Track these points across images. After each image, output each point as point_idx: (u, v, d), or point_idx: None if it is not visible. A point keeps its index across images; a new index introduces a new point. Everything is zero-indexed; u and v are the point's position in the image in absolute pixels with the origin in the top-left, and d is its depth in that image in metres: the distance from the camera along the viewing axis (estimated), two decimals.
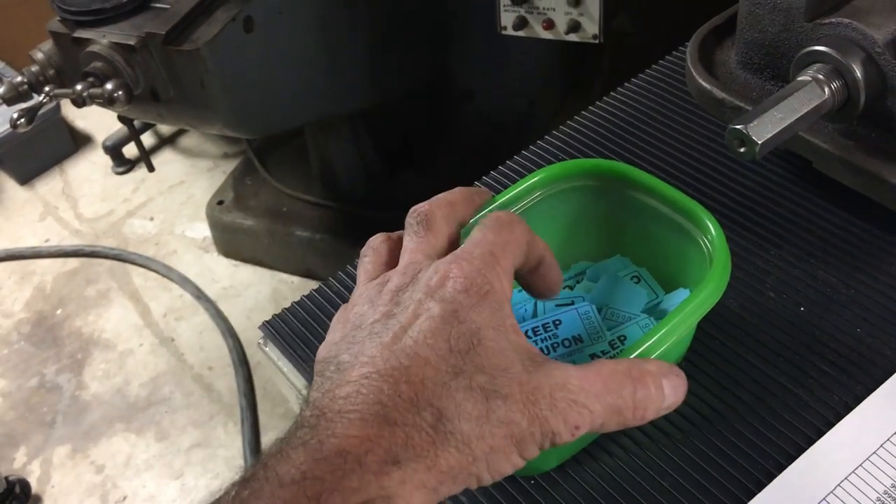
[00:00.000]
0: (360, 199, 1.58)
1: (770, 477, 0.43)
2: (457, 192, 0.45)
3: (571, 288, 0.53)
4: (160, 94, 1.06)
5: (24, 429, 1.48)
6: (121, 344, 1.58)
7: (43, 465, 1.43)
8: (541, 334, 0.48)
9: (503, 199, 0.50)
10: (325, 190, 1.61)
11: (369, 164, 1.57)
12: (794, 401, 0.46)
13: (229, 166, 1.81)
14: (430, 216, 0.42)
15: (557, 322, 0.49)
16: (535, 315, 0.50)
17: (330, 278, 0.59)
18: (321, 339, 0.55)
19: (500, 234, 0.39)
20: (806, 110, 0.47)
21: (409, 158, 1.59)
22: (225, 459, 1.41)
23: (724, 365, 0.49)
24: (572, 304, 0.50)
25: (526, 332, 0.48)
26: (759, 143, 0.45)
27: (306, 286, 1.61)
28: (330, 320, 0.54)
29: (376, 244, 0.44)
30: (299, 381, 0.53)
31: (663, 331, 0.42)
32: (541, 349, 0.48)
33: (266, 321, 0.56)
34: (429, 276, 0.37)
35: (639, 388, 0.37)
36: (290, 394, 0.56)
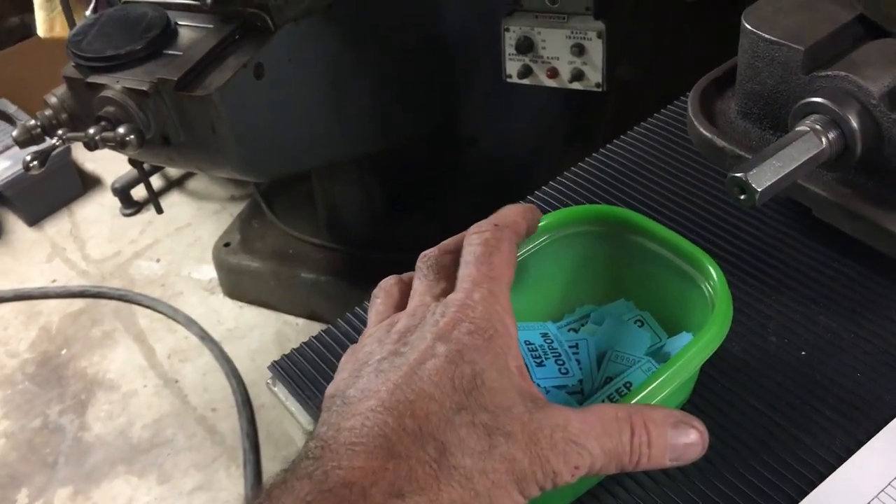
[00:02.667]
0: (366, 242, 1.60)
1: None
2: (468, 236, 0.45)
3: (576, 331, 0.54)
4: (171, 139, 1.08)
5: (26, 470, 1.47)
6: (125, 385, 1.58)
7: None
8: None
9: None
10: (330, 233, 1.62)
11: (375, 208, 1.59)
12: (796, 444, 0.47)
13: (236, 209, 1.83)
14: (439, 260, 0.43)
15: (565, 371, 0.50)
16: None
17: (339, 319, 0.60)
18: (329, 379, 0.55)
19: (492, 265, 0.40)
20: (804, 159, 0.48)
21: (415, 202, 1.61)
22: (226, 503, 1.40)
23: (726, 408, 0.49)
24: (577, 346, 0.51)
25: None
26: (759, 190, 0.46)
27: (311, 328, 1.62)
28: (338, 361, 0.55)
29: (388, 286, 0.45)
30: (307, 421, 0.54)
31: (666, 375, 0.43)
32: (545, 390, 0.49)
33: (275, 361, 0.57)
34: (436, 319, 0.38)
35: (637, 435, 0.38)
36: (297, 434, 0.56)
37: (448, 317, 0.38)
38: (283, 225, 1.66)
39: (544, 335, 0.52)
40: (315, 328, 1.62)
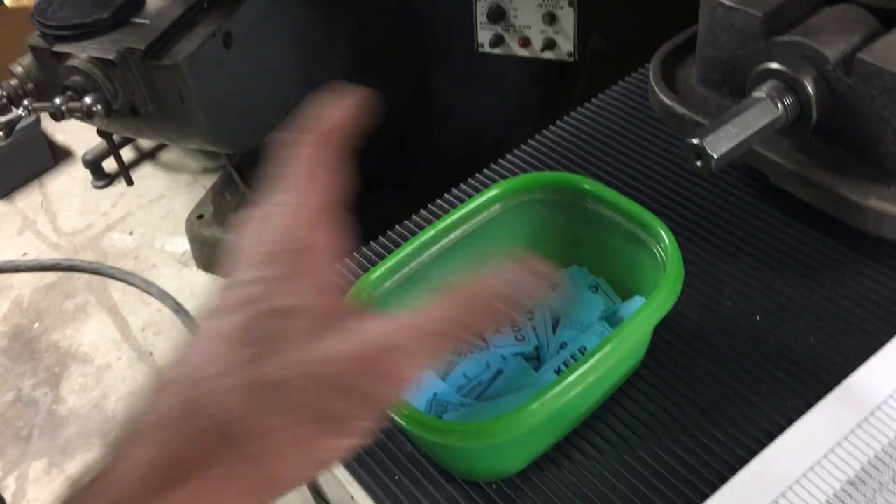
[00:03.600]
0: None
1: (724, 480, 0.45)
2: None
3: None
4: (139, 109, 1.07)
5: None
6: (98, 358, 1.57)
7: (18, 479, 1.42)
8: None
9: (462, 211, 0.51)
10: None
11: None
12: (748, 406, 0.48)
13: (209, 181, 1.81)
14: None
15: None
16: None
17: None
18: None
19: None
20: (760, 125, 0.48)
21: (388, 174, 1.60)
22: None
23: (680, 371, 0.50)
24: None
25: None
26: (715, 156, 0.46)
27: None
28: None
29: None
30: None
31: (617, 339, 0.43)
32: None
33: None
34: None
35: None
36: None
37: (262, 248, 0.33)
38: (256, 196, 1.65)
39: None
40: None
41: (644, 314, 0.44)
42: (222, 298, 0.32)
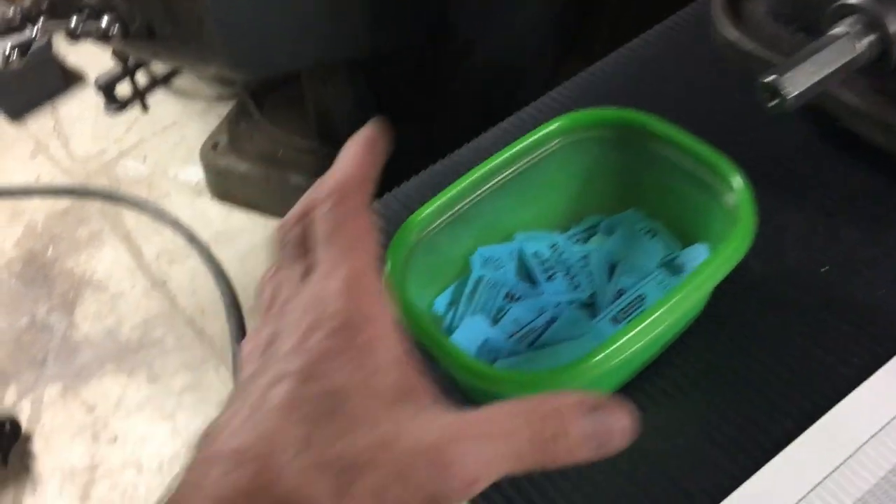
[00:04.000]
0: None
1: (789, 438, 0.43)
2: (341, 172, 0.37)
3: (585, 242, 0.52)
4: (156, 31, 1.04)
5: (14, 367, 1.47)
6: (113, 285, 1.56)
7: (34, 403, 1.42)
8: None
9: (517, 148, 0.48)
10: (320, 136, 1.58)
11: (366, 113, 1.54)
12: (814, 362, 0.46)
13: (224, 109, 1.78)
14: (294, 233, 0.35)
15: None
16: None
17: None
18: None
19: (345, 243, 0.33)
20: (839, 64, 0.45)
21: (407, 109, 1.57)
22: (216, 403, 1.40)
23: (740, 324, 0.48)
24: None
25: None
26: (792, 96, 0.43)
27: None
28: None
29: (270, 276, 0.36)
30: None
31: (686, 290, 0.41)
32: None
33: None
34: (295, 320, 0.31)
35: (547, 426, 0.30)
36: None
37: (304, 320, 0.31)
38: (272, 127, 1.62)
39: (553, 246, 0.50)
40: None
41: (713, 266, 0.42)
42: (263, 363, 0.30)
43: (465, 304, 0.49)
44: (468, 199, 0.48)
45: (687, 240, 0.50)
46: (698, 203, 0.47)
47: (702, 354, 0.47)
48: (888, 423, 0.43)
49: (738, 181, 0.44)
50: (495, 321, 0.48)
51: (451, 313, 0.49)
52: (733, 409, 0.45)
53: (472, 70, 1.52)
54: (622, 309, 0.47)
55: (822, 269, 0.49)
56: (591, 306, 0.49)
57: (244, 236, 1.63)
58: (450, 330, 0.48)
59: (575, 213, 0.53)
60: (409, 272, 0.45)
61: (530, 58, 1.54)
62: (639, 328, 0.40)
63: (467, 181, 0.47)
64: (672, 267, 0.49)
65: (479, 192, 0.48)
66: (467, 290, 0.49)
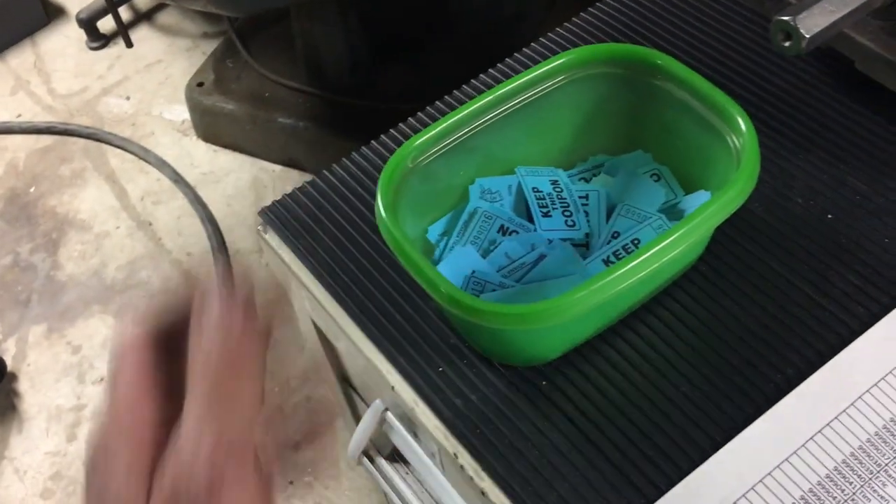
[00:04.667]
0: (346, 88, 1.53)
1: (792, 385, 0.42)
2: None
3: (588, 180, 0.51)
4: None
5: None
6: (97, 225, 1.54)
7: (18, 343, 1.41)
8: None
9: (525, 79, 0.47)
10: (309, 77, 1.55)
11: (357, 53, 1.51)
12: (818, 309, 0.45)
13: (209, 46, 1.73)
14: (149, 355, 0.30)
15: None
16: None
17: (334, 165, 0.56)
18: (323, 227, 0.52)
19: (229, 393, 0.29)
20: (857, 4, 0.43)
21: (398, 49, 1.54)
22: None
23: (744, 270, 0.47)
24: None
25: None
26: (808, 36, 0.42)
27: (288, 175, 1.57)
28: (331, 209, 0.52)
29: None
30: (300, 269, 0.51)
31: (678, 233, 0.40)
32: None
33: (265, 207, 0.54)
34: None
35: None
36: (289, 283, 0.54)
37: (164, 490, 0.27)
38: (260, 66, 1.58)
39: (554, 182, 0.49)
40: (293, 175, 1.57)
41: (710, 210, 0.41)
42: None
43: (458, 235, 0.48)
44: (469, 128, 0.46)
45: (691, 186, 0.49)
46: (704, 146, 0.46)
47: (699, 299, 0.46)
48: (890, 372, 0.42)
49: (743, 124, 0.43)
50: (486, 254, 0.47)
51: (442, 242, 0.48)
52: (733, 356, 0.44)
53: (465, 9, 1.49)
54: (615, 251, 0.46)
55: (828, 217, 0.48)
56: (585, 246, 0.48)
57: (230, 177, 1.61)
58: (440, 259, 0.47)
59: (580, 152, 0.52)
60: (403, 199, 0.44)
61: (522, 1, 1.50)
62: (625, 268, 0.39)
63: (468, 109, 0.46)
64: (673, 212, 0.48)
65: (482, 121, 0.46)
66: (462, 220, 0.48)
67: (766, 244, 0.48)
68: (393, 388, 0.46)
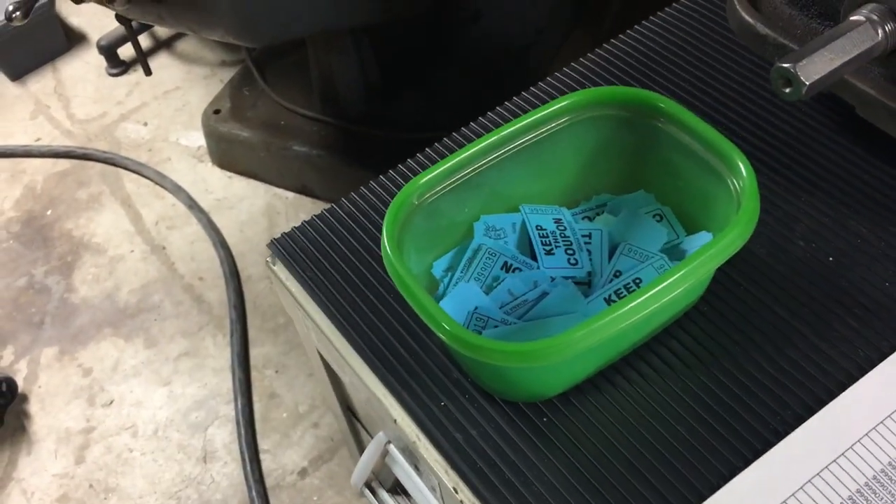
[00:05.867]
0: (360, 117, 1.55)
1: (789, 428, 0.43)
2: None
3: (591, 219, 0.51)
4: None
5: (11, 328, 1.46)
6: (111, 249, 1.56)
7: (30, 364, 1.42)
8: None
9: (529, 120, 0.48)
10: (324, 105, 1.57)
11: (371, 82, 1.53)
12: (817, 353, 0.45)
13: (227, 75, 1.76)
14: None
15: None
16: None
17: (342, 199, 0.57)
18: (330, 260, 0.53)
19: None
20: (857, 52, 0.44)
21: (412, 78, 1.55)
22: (213, 370, 1.41)
23: (745, 311, 0.47)
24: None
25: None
26: (807, 83, 0.43)
27: (301, 202, 1.59)
28: (338, 241, 0.53)
29: None
30: (307, 301, 0.52)
31: (679, 274, 0.41)
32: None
33: (275, 239, 0.55)
34: None
35: None
36: (296, 314, 0.54)
37: None
38: (276, 95, 1.61)
39: (557, 221, 0.50)
40: (306, 202, 1.59)
41: (711, 252, 0.41)
42: None
43: (462, 271, 0.48)
44: (475, 166, 0.47)
45: (693, 227, 0.49)
46: (706, 188, 0.47)
47: (699, 338, 0.47)
48: (889, 416, 0.42)
49: (743, 166, 0.44)
50: (490, 290, 0.48)
51: (447, 278, 0.49)
52: (732, 398, 0.44)
53: (479, 39, 1.50)
54: (616, 290, 0.47)
55: (829, 259, 0.49)
56: (587, 285, 0.48)
57: (244, 204, 1.62)
58: (444, 294, 0.48)
59: (583, 191, 0.53)
60: (408, 234, 0.45)
61: (538, 28, 1.52)
62: (626, 307, 0.40)
63: (475, 148, 0.47)
64: (675, 252, 0.49)
65: (487, 159, 0.47)
66: (466, 256, 0.49)
67: (768, 286, 0.48)
68: (395, 421, 0.46)
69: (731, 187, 0.44)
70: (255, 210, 1.58)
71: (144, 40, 1.86)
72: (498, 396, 0.46)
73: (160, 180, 1.63)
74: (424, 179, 0.46)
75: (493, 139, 0.47)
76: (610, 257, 0.49)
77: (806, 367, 0.45)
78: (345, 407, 0.62)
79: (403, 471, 0.51)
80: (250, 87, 1.65)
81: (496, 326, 0.46)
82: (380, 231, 0.54)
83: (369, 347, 0.49)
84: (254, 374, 1.36)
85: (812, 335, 0.46)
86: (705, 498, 0.41)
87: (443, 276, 0.49)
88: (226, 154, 1.64)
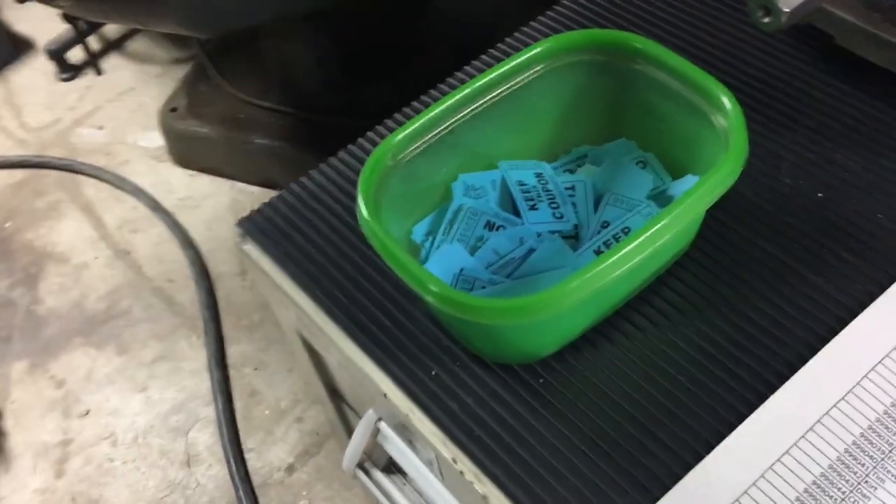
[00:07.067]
0: (321, 106, 1.52)
1: (792, 370, 0.41)
2: None
3: (572, 172, 0.50)
4: None
5: None
6: (75, 257, 1.52)
7: (2, 381, 1.38)
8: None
9: (500, 70, 0.46)
10: (284, 96, 1.54)
11: (330, 70, 1.50)
12: (814, 290, 0.44)
13: (180, 72, 1.72)
14: None
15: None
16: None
17: (311, 171, 0.54)
18: (304, 235, 0.51)
19: None
20: None
21: (372, 65, 1.53)
22: (190, 372, 1.38)
23: (737, 254, 0.46)
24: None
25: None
26: (787, 11, 0.41)
27: (267, 196, 1.54)
28: (312, 216, 0.50)
29: None
30: (284, 280, 0.50)
31: (667, 218, 0.39)
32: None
33: (243, 218, 0.52)
34: None
35: None
36: (273, 295, 0.52)
37: None
38: (233, 89, 1.57)
39: (538, 175, 0.48)
40: (272, 196, 1.56)
41: (700, 191, 0.40)
42: None
43: (444, 233, 0.46)
44: (449, 123, 0.45)
45: (678, 171, 0.48)
46: (689, 130, 0.45)
47: (692, 285, 0.45)
48: (890, 352, 0.41)
49: (728, 103, 0.42)
50: (474, 251, 0.46)
51: (428, 242, 0.47)
52: (731, 343, 0.43)
53: (438, 22, 1.48)
54: (605, 241, 0.45)
55: (818, 195, 0.47)
56: (574, 238, 0.47)
57: (209, 202, 1.59)
58: (427, 259, 0.46)
59: (562, 143, 0.51)
60: (384, 199, 0.43)
61: (497, 7, 1.50)
62: (618, 255, 0.38)
63: (447, 103, 0.45)
64: (661, 199, 0.47)
65: (460, 115, 0.45)
66: (446, 218, 0.47)
67: (758, 227, 0.47)
68: (386, 395, 0.44)
69: (717, 125, 0.43)
70: (221, 207, 1.55)
71: (93, 42, 1.81)
72: (491, 360, 0.44)
73: (120, 184, 1.59)
74: (399, 137, 0.44)
75: (465, 92, 0.45)
76: (596, 208, 0.47)
77: (804, 306, 0.43)
78: (330, 391, 0.60)
79: (396, 448, 0.49)
80: (206, 82, 1.61)
81: (484, 287, 0.44)
82: (353, 200, 0.51)
83: (353, 322, 0.47)
84: (232, 373, 1.34)
85: (808, 272, 0.45)
86: (713, 447, 0.40)
87: (423, 240, 0.47)
88: (186, 152, 1.60)
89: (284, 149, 1.51)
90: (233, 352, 1.36)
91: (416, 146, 0.45)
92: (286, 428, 1.29)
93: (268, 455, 1.26)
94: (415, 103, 0.57)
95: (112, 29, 1.82)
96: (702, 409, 0.41)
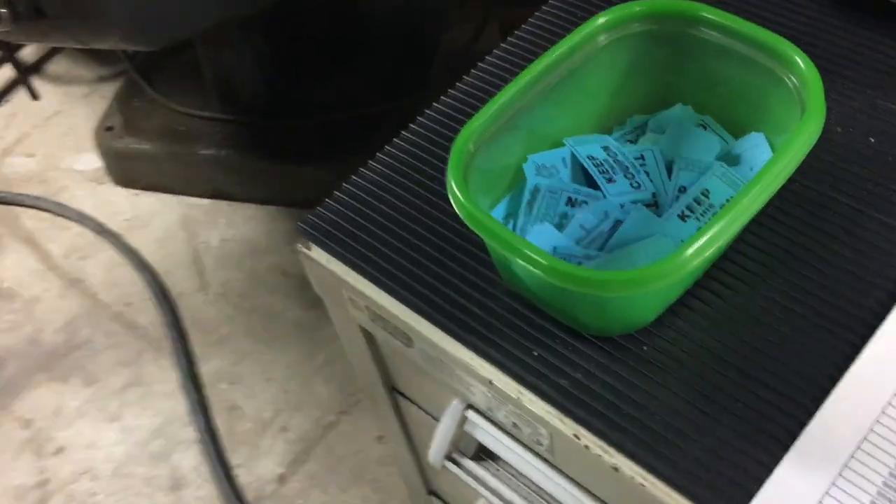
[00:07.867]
0: (262, 110, 1.49)
1: (885, 308, 0.43)
2: None
3: (633, 142, 0.50)
4: (46, 10, 0.95)
5: None
6: (24, 292, 1.45)
7: None
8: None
9: (563, 48, 0.46)
10: (223, 104, 1.51)
11: (268, 73, 1.48)
12: (892, 232, 0.46)
13: (108, 90, 1.67)
14: None
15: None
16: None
17: (361, 169, 0.53)
18: (368, 232, 0.50)
19: None
20: None
21: (311, 64, 1.51)
22: (163, 395, 1.34)
23: (808, 205, 0.47)
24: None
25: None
26: None
27: (218, 207, 1.52)
28: (373, 212, 0.49)
29: None
30: (358, 280, 0.49)
31: (771, 173, 0.40)
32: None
33: (304, 222, 0.51)
34: None
35: None
36: (340, 297, 0.51)
37: None
38: (169, 101, 1.53)
39: (605, 148, 0.48)
40: (223, 206, 1.52)
41: (793, 150, 0.41)
42: None
43: (525, 215, 0.46)
44: (520, 103, 0.45)
45: (738, 130, 0.49)
46: (753, 90, 0.46)
47: (774, 240, 0.46)
48: None
49: (802, 61, 0.43)
50: (560, 229, 0.46)
51: (509, 226, 0.47)
52: (821, 288, 0.44)
53: (376, 16, 1.47)
54: (688, 205, 0.46)
55: (870, 140, 0.49)
56: (654, 205, 0.47)
57: (157, 220, 1.55)
58: None
59: (615, 115, 0.51)
60: (468, 184, 0.43)
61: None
62: (730, 215, 0.38)
63: (517, 87, 0.45)
64: (728, 159, 0.48)
65: (530, 94, 0.45)
66: (524, 199, 0.47)
67: (822, 178, 0.48)
68: (491, 381, 0.44)
69: (789, 84, 0.44)
70: (171, 224, 1.51)
71: (8, 70, 1.73)
72: (589, 334, 0.44)
73: (61, 211, 1.53)
74: (477, 123, 0.43)
75: (531, 75, 0.45)
76: (669, 175, 0.48)
77: (883, 247, 0.45)
78: (389, 389, 0.59)
79: (488, 434, 0.49)
80: (140, 97, 1.56)
81: (580, 262, 0.44)
82: (410, 191, 0.51)
83: (440, 312, 0.46)
84: (208, 391, 1.30)
85: (882, 215, 0.46)
86: (829, 390, 0.41)
87: (503, 224, 0.47)
88: (127, 171, 1.55)
89: (231, 157, 1.48)
90: (205, 369, 1.32)
91: (491, 129, 0.44)
92: (272, 439, 1.27)
93: (257, 469, 1.23)
94: (459, 84, 0.57)
95: (30, 52, 1.75)
96: (808, 355, 0.42)
